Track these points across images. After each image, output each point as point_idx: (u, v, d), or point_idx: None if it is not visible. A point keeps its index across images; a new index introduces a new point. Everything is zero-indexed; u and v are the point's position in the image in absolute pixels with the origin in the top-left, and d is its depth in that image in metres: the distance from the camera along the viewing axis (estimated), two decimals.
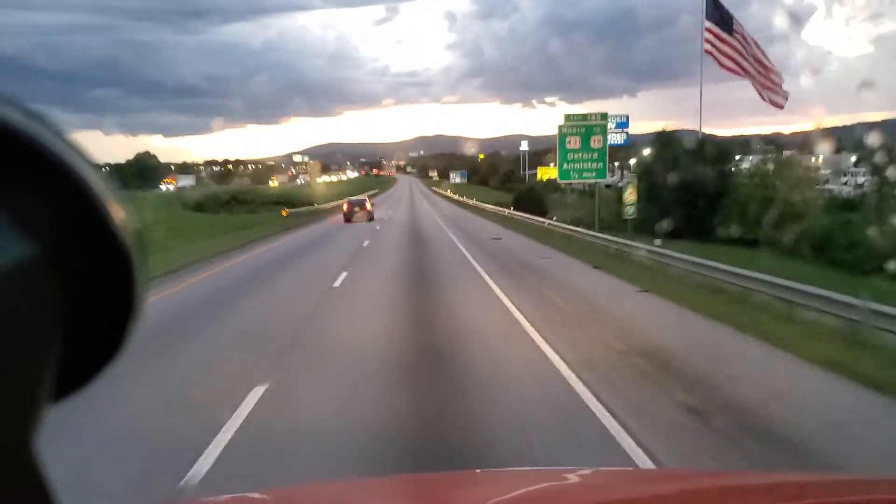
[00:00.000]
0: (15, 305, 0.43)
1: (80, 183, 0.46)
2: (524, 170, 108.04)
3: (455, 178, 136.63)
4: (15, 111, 0.44)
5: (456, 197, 72.09)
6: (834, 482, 1.79)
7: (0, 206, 0.44)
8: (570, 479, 1.82)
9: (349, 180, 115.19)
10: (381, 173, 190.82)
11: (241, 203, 55.60)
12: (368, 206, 35.39)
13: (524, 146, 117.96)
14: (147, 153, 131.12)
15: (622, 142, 64.70)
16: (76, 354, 0.49)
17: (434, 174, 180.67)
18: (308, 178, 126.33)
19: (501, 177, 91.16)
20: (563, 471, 2.18)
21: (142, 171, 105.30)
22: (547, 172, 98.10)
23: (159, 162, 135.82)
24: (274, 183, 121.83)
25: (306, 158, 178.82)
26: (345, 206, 34.84)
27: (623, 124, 64.53)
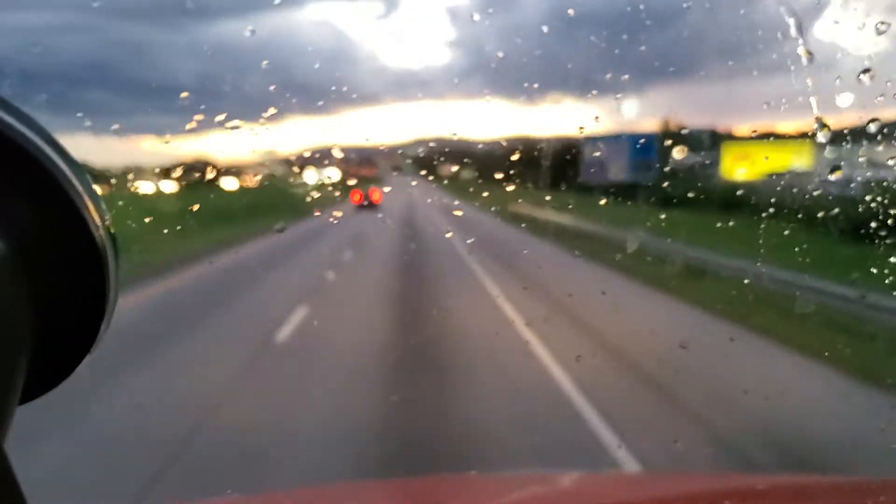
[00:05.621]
0: None
1: (59, 183, 0.45)
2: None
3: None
4: None
5: None
6: (833, 485, 1.74)
7: None
8: (564, 484, 1.85)
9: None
10: (367, 173, 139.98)
11: None
12: (376, 197, 38.11)
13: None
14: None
15: None
16: (45, 355, 0.47)
17: (453, 168, 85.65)
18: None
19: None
20: (558, 475, 2.22)
21: None
22: (748, 152, 47.03)
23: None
24: None
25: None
26: (357, 197, 36.22)
27: None
